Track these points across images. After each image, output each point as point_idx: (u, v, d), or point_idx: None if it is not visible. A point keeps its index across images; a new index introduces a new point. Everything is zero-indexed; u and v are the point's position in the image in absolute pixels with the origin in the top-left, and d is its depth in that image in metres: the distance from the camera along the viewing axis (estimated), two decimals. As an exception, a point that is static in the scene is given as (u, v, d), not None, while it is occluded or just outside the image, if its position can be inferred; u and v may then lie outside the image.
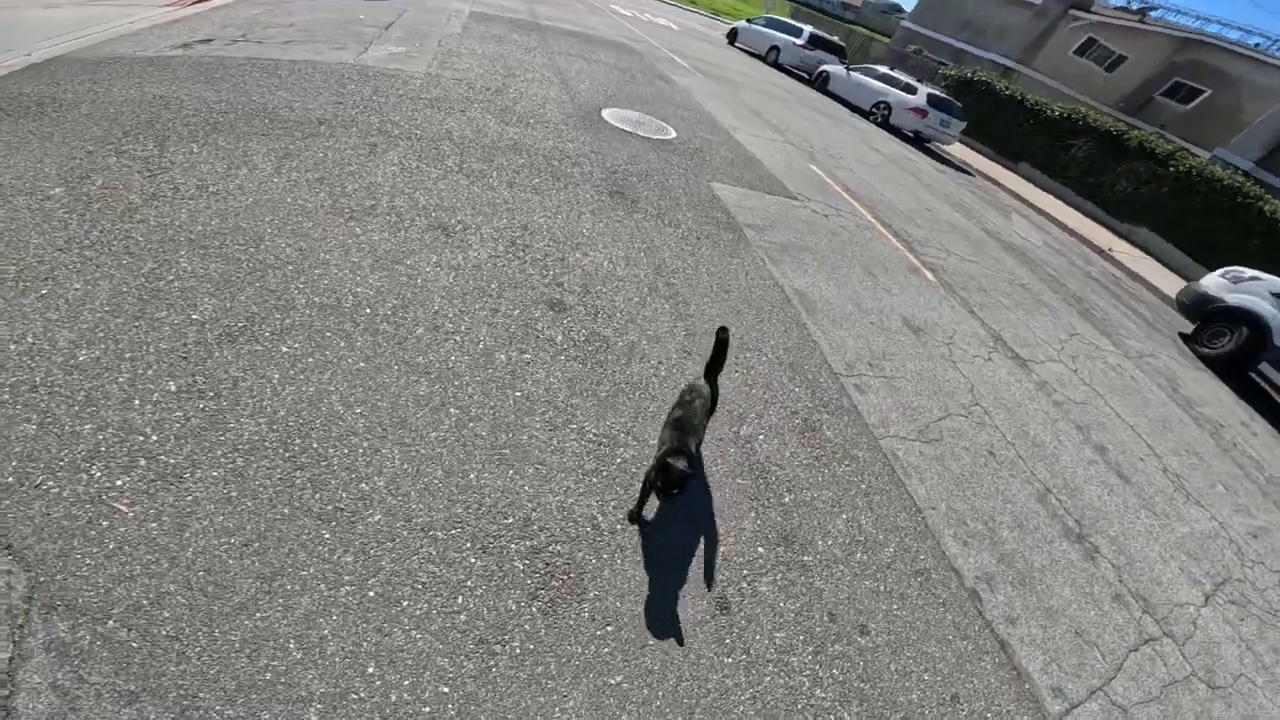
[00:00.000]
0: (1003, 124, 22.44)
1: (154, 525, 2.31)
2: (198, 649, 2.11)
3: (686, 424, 2.75)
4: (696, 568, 2.84)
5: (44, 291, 3.01)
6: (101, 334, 2.86)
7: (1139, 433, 6.06)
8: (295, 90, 6.11)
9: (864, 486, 3.70)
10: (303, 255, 3.67)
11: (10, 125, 4.54)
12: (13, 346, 2.70)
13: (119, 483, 2.38)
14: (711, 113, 11.30)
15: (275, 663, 2.14)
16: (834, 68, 22.27)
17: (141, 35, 7.72)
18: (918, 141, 19.96)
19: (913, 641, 2.90)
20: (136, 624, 2.11)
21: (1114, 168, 18.94)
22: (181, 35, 7.88)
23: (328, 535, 2.47)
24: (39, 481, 2.30)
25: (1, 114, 4.74)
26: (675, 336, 4.22)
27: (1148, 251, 17.71)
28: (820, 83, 22.37)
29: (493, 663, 2.33)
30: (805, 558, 3.08)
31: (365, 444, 2.78)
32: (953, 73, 24.74)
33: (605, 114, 8.48)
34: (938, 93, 19.49)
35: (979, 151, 23.02)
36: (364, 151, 5.18)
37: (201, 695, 2.04)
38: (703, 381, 2.96)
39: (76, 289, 3.07)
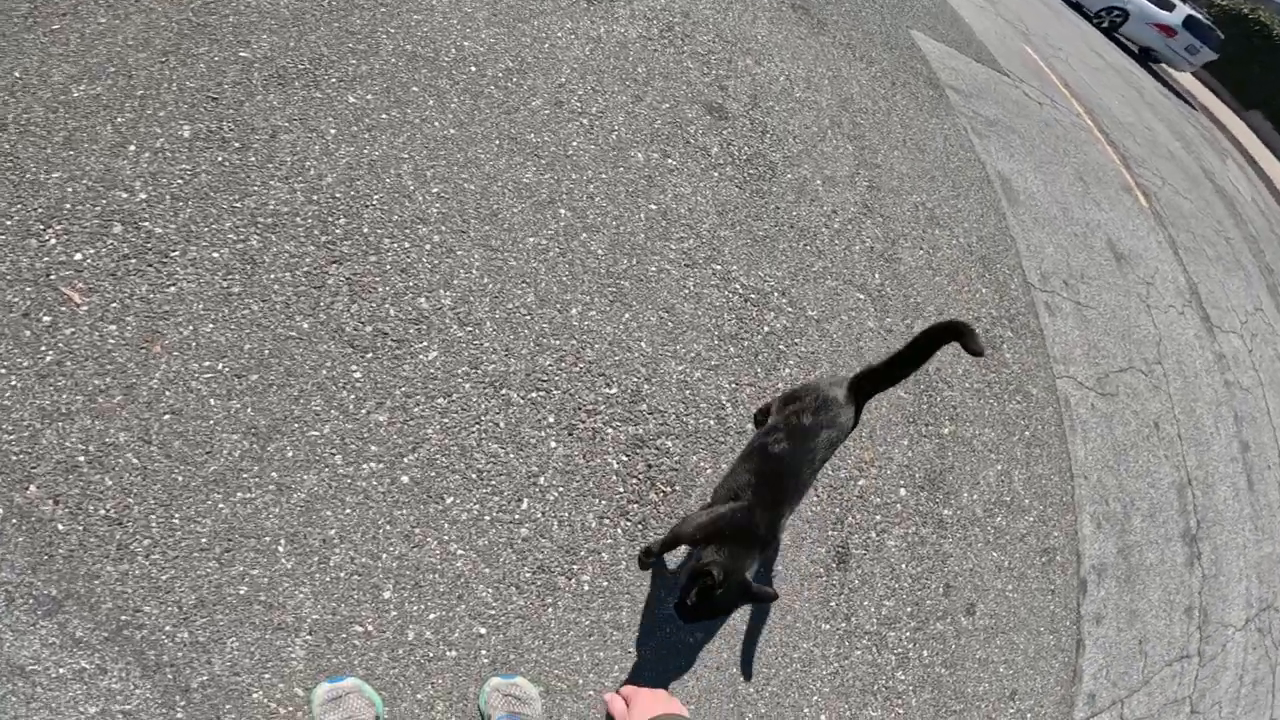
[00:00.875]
0: (1256, 69, 17.19)
1: (113, 329, 1.27)
2: (148, 541, 1.19)
3: (783, 480, 1.26)
4: (828, 504, 1.90)
5: (56, 27, 1.81)
6: (112, 69, 1.69)
7: None
8: None
9: (1028, 434, 2.62)
10: None
11: None
12: None
13: (77, 257, 1.33)
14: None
15: (255, 571, 1.22)
16: None
17: None
18: (1141, 59, 15.43)
19: (1008, 629, 2.18)
20: (67, 495, 1.16)
21: None
22: None
23: (358, 374, 1.37)
24: None
25: None
26: (856, 185, 2.75)
27: None
28: None
29: (551, 600, 1.43)
30: (945, 510, 2.16)
31: (436, 238, 1.61)
32: (1224, 2, 18.81)
33: None
34: (1200, 16, 14.70)
35: (1208, 86, 17.84)
36: None
37: (147, 609, 1.15)
38: (843, 393, 1.34)
39: (100, 23, 1.86)
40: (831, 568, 1.83)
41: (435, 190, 1.67)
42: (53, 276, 1.31)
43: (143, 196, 1.44)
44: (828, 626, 1.77)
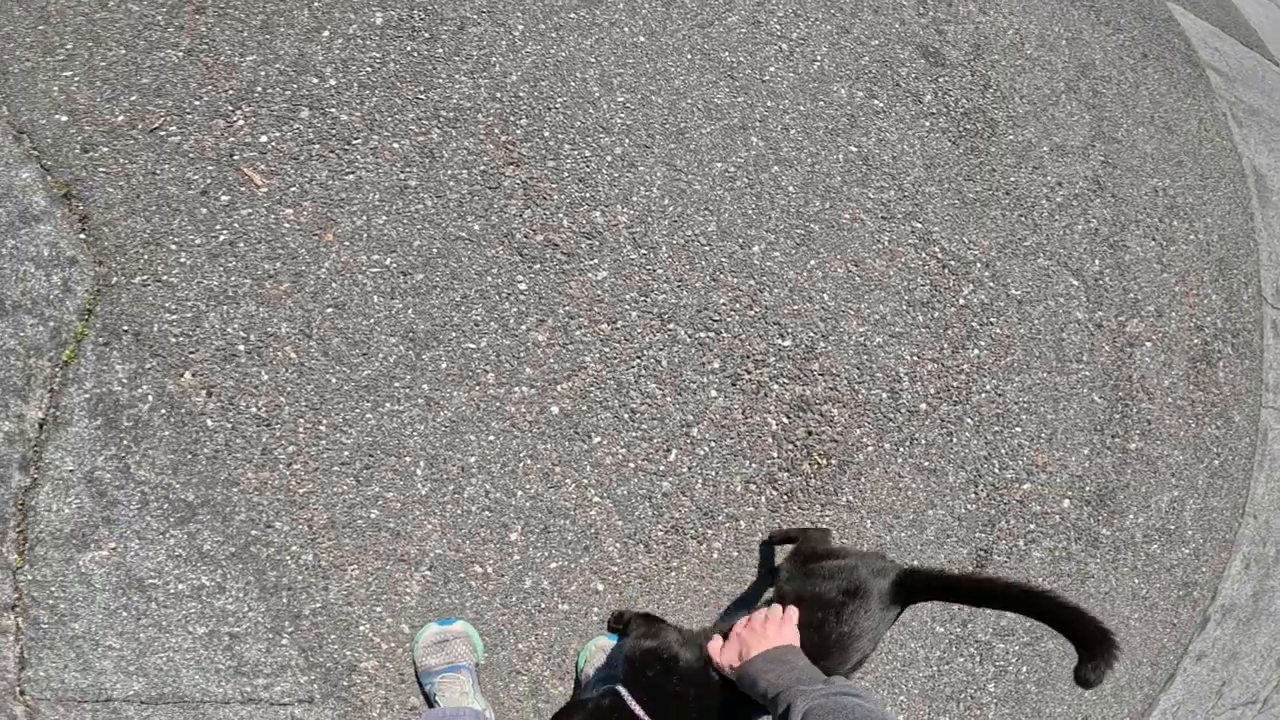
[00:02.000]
0: None
1: (289, 213, 1.20)
2: (292, 448, 1.09)
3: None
4: (984, 504, 1.67)
5: None
6: None
7: None
8: None
9: (1216, 463, 2.25)
10: None
11: None
12: None
13: (262, 139, 1.27)
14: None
15: (390, 495, 1.12)
16: None
17: None
18: None
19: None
20: (221, 387, 1.07)
21: None
22: None
23: (523, 286, 1.23)
24: (157, 124, 1.24)
25: None
26: (1089, 159, 2.31)
27: None
28: None
29: (677, 564, 1.30)
30: (1104, 530, 1.93)
31: (618, 150, 1.42)
32: None
33: None
34: None
35: None
36: None
37: (277, 526, 1.07)
38: (886, 586, 0.87)
39: None
40: (968, 569, 1.65)
41: (621, 100, 1.46)
42: (236, 157, 1.27)
43: (332, 83, 1.38)
44: (941, 630, 1.61)
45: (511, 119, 1.37)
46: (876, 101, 1.86)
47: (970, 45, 2.38)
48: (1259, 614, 2.54)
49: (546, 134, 1.38)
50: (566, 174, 1.35)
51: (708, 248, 1.40)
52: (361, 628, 1.15)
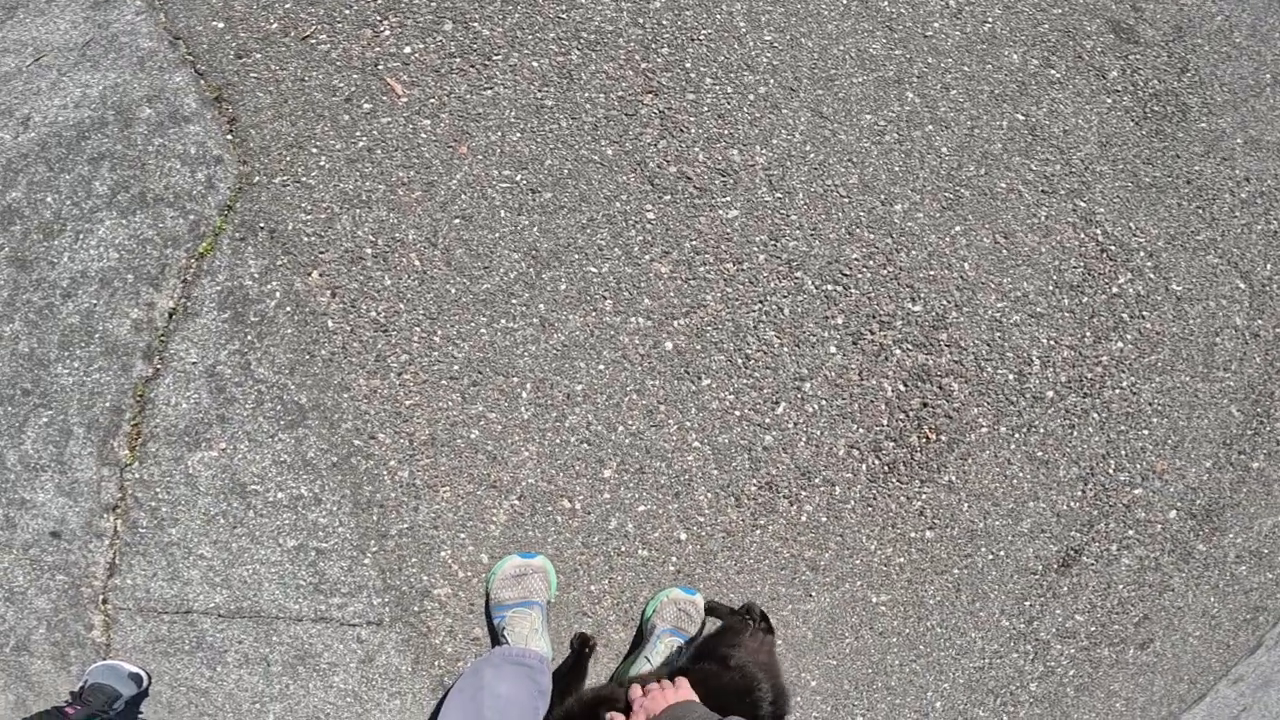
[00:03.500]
0: None
1: (426, 124, 1.29)
2: (405, 356, 1.17)
3: None
4: (1090, 503, 1.65)
5: None
6: None
7: None
8: None
9: None
10: None
11: None
12: None
13: (406, 50, 1.37)
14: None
15: (493, 415, 1.19)
16: None
17: None
18: None
19: (1158, 671, 1.89)
20: (346, 288, 1.17)
21: None
22: None
23: (651, 215, 1.27)
24: (309, 33, 1.36)
25: None
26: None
27: None
28: None
29: (764, 522, 1.33)
30: (1200, 546, 1.87)
31: (762, 89, 1.43)
32: None
33: None
34: None
35: None
36: None
37: (380, 438, 1.15)
38: None
39: None
40: (1051, 568, 1.63)
41: (769, 38, 1.48)
42: (380, 67, 1.37)
43: None
44: (1007, 623, 1.61)
45: (653, 46, 1.41)
46: (1053, 71, 1.78)
47: (1170, 26, 2.24)
48: None
49: (688, 65, 1.40)
50: (706, 108, 1.37)
51: (847, 199, 1.38)
52: (443, 553, 1.21)
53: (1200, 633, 1.97)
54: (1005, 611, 1.58)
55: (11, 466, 1.16)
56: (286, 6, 1.41)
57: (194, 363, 1.19)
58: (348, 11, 1.41)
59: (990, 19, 1.79)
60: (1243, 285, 1.87)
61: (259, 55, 1.36)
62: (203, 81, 1.33)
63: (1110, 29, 2.05)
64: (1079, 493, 1.59)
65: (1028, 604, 1.63)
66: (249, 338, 1.20)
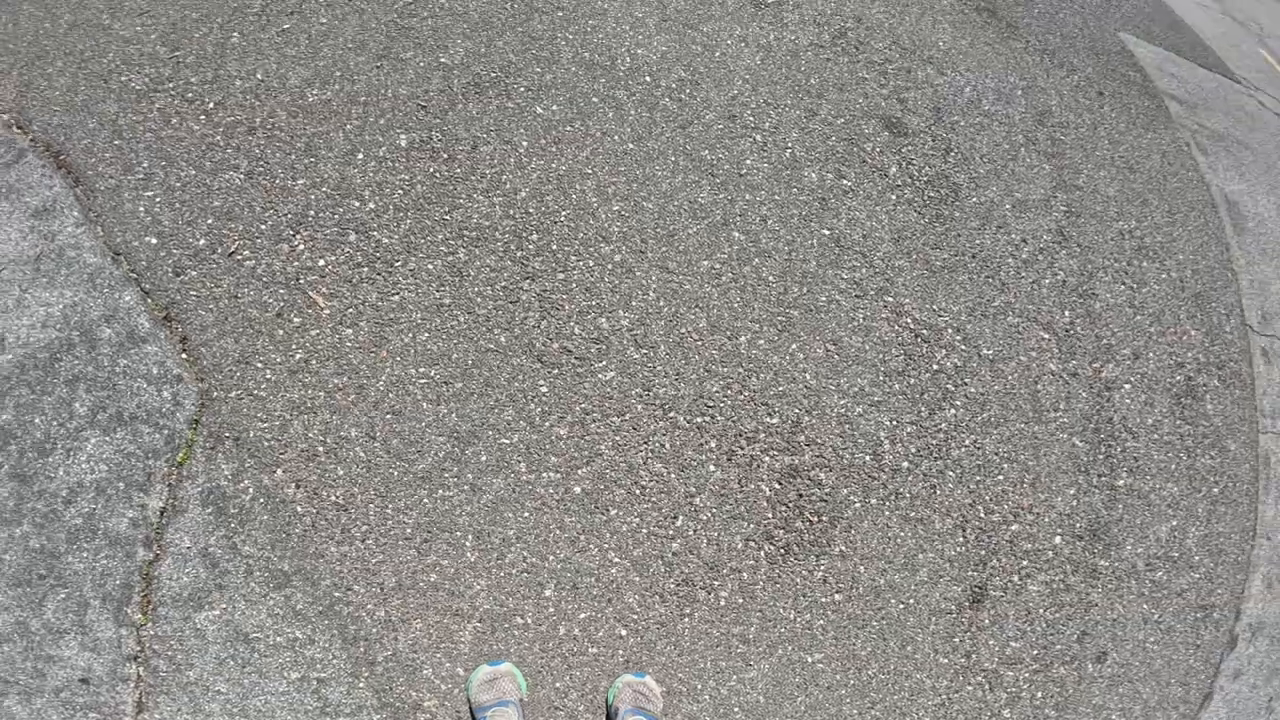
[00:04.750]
0: None
1: (349, 333, 1.66)
2: (365, 527, 1.54)
3: None
4: (973, 545, 2.06)
5: (286, 26, 2.31)
6: (338, 73, 2.12)
7: None
8: None
9: (1215, 491, 2.61)
10: (575, 1, 2.65)
11: None
12: (239, 83, 2.05)
13: (321, 263, 1.73)
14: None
15: (445, 562, 1.56)
16: None
17: None
18: None
19: (1137, 679, 2.24)
20: (306, 480, 1.53)
21: None
22: None
23: (544, 389, 1.69)
24: (234, 248, 1.69)
25: None
26: (1052, 210, 2.77)
27: None
28: None
29: (689, 611, 1.70)
30: (1101, 561, 2.27)
31: (617, 257, 1.90)
32: None
33: None
34: None
35: None
36: None
37: (356, 589, 1.50)
38: None
39: (322, 23, 2.34)
40: (964, 606, 1.98)
41: (616, 208, 1.94)
42: (301, 281, 1.71)
43: (371, 206, 1.82)
44: (945, 660, 1.90)
45: (524, 234, 1.84)
46: (845, 181, 2.34)
47: (930, 110, 2.87)
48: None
49: (554, 246, 1.84)
50: (574, 284, 1.81)
51: (700, 342, 1.87)
52: (425, 671, 1.59)
53: (1155, 637, 2.32)
54: (939, 650, 1.88)
55: (36, 631, 1.43)
56: (209, 222, 1.73)
57: (188, 547, 1.50)
58: (263, 227, 1.74)
59: (789, 144, 2.33)
60: (1047, 335, 2.44)
61: (194, 272, 1.67)
62: (149, 300, 1.63)
63: (885, 126, 2.65)
64: (960, 539, 2.01)
65: (957, 640, 1.93)
66: (232, 525, 1.52)
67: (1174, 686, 2.34)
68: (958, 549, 1.99)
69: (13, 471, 1.47)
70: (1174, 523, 2.43)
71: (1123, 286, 2.74)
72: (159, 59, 2.15)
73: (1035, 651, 2.08)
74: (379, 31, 2.30)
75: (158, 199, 1.75)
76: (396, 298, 1.71)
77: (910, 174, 2.51)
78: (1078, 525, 2.21)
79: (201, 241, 1.70)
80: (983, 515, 2.05)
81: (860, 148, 2.47)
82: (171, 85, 2.05)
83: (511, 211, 1.87)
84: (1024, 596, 2.08)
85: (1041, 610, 2.12)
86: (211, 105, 1.99)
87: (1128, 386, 2.49)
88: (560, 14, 2.53)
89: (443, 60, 2.23)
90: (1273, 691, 2.66)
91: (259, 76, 2.08)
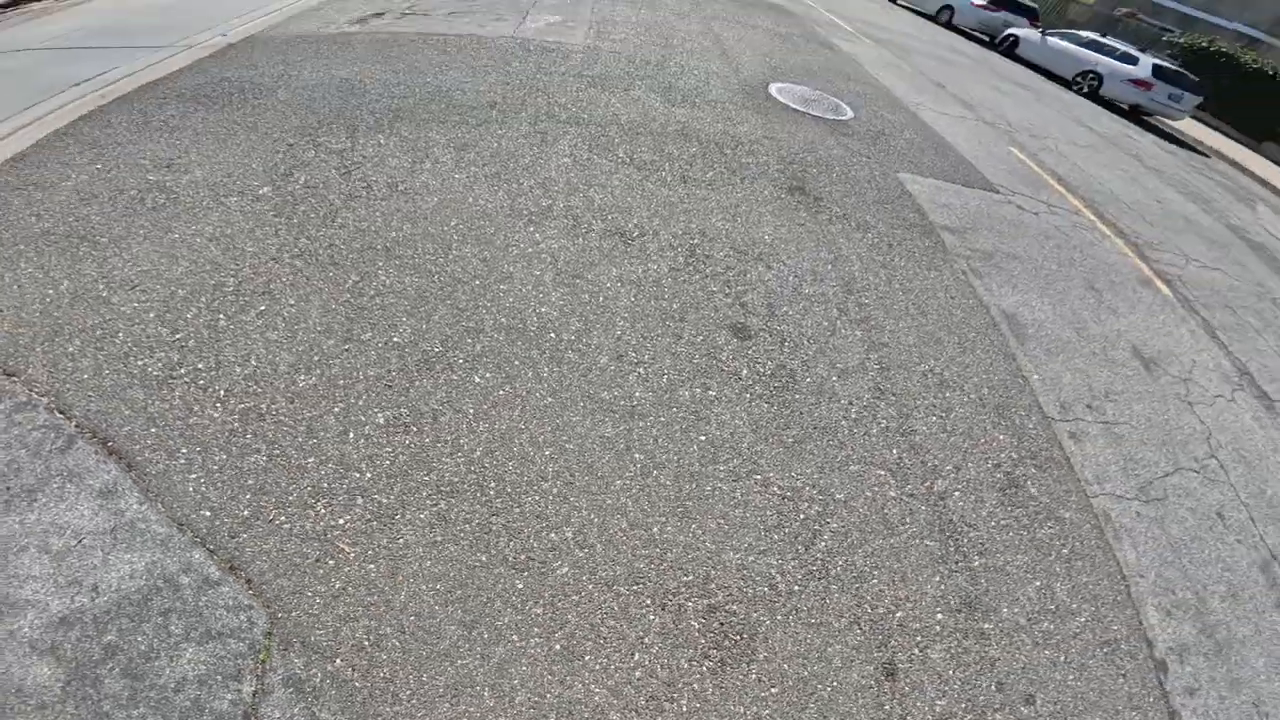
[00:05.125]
0: (1244, 100, 20.31)
1: (372, 567, 2.51)
2: (408, 692, 2.29)
3: None
4: (869, 634, 2.84)
5: (262, 308, 3.31)
6: (316, 357, 3.13)
7: None
8: (464, 69, 6.75)
9: (1065, 551, 3.52)
10: (488, 267, 3.81)
11: (218, 114, 5.14)
12: (238, 369, 2.99)
13: (341, 521, 2.60)
14: (887, 86, 10.64)
15: (472, 709, 2.30)
16: (1024, 31, 20.57)
17: (322, 10, 8.66)
18: (1134, 116, 17.99)
19: (1078, 713, 2.85)
20: (359, 665, 2.31)
21: None
22: (356, 9, 8.54)
23: (520, 585, 2.58)
24: (272, 516, 2.55)
25: (210, 101, 5.37)
26: (867, 372, 4.02)
27: None
28: (1007, 47, 20.66)
29: (660, 717, 2.41)
30: (985, 625, 3.02)
31: (555, 490, 2.88)
32: (1182, 41, 22.45)
33: (773, 90, 8.21)
34: (1166, 64, 17.70)
35: (1213, 128, 20.34)
36: (535, 141, 5.40)
37: None
38: None
39: (291, 305, 3.35)
40: (881, 680, 2.63)
41: (548, 453, 2.94)
42: (329, 535, 2.56)
43: (369, 475, 2.72)
44: None
45: (485, 484, 2.81)
46: (710, 392, 3.49)
47: (765, 307, 4.16)
48: (1231, 643, 3.47)
49: (509, 490, 2.83)
50: (529, 513, 2.77)
51: (625, 537, 2.83)
52: None
53: (1073, 675, 2.92)
54: (875, 718, 2.52)
55: None
56: (248, 497, 2.57)
57: (278, 717, 2.19)
58: (290, 498, 2.60)
59: (665, 371, 3.47)
60: (883, 471, 3.48)
61: (245, 535, 2.48)
62: (215, 557, 2.42)
63: (733, 333, 3.87)
64: (857, 631, 2.83)
65: (888, 708, 2.55)
66: (309, 700, 2.20)
67: (1127, 712, 2.94)
68: (859, 639, 2.81)
69: (125, 670, 2.17)
70: (1037, 583, 3.29)
71: (934, 418, 3.93)
72: (165, 342, 3.14)
73: (963, 705, 2.69)
74: (339, 312, 3.34)
75: (203, 480, 2.62)
76: (402, 540, 2.59)
77: (757, 371, 3.71)
78: (952, 602, 3.05)
79: (245, 512, 2.54)
80: (870, 611, 2.91)
81: (717, 359, 3.66)
82: (184, 371, 3.01)
83: (473, 468, 2.84)
84: (930, 663, 2.76)
85: (951, 671, 2.77)
86: (223, 393, 2.93)
87: (957, 493, 3.55)
88: (478, 282, 3.67)
89: (395, 339, 3.27)
90: (1250, 697, 3.22)
91: (254, 363, 3.06)
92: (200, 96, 5.48)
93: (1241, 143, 19.80)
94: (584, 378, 3.34)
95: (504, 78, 6.66)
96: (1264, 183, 15.69)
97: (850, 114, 8.26)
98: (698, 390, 3.48)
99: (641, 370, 3.45)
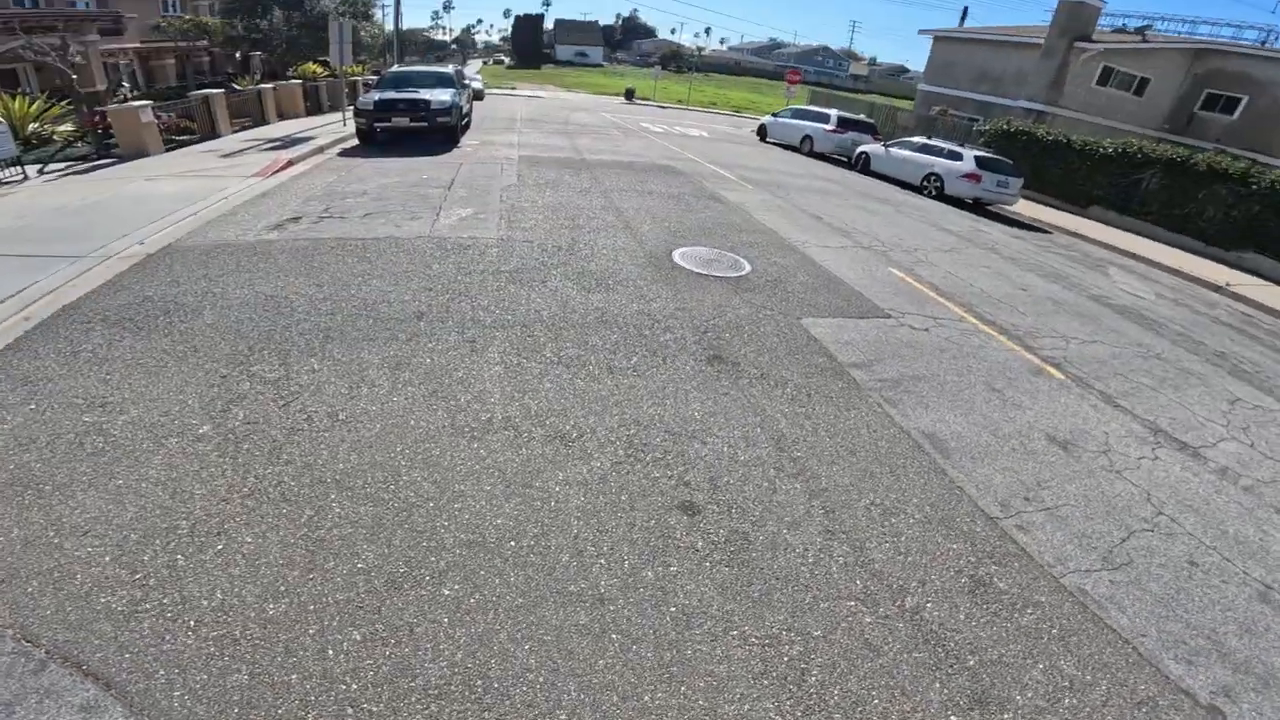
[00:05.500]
0: (1059, 171, 22.56)
1: None
2: None
3: None
4: None
5: (220, 547, 3.39)
6: (283, 587, 3.20)
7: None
8: (387, 277, 7.11)
9: (1055, 631, 3.71)
10: (439, 489, 3.99)
11: (146, 342, 5.32)
12: (205, 602, 3.07)
13: None
14: (774, 228, 11.79)
15: None
16: (871, 147, 23.07)
17: (238, 214, 9.18)
18: (979, 209, 20.00)
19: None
20: None
21: (1195, 195, 18.64)
22: (273, 213, 9.25)
23: None
24: None
25: (136, 327, 5.57)
26: (814, 518, 4.27)
27: (1265, 277, 16.80)
28: (862, 165, 23.12)
29: None
30: (1004, 715, 3.13)
31: (542, 679, 2.95)
32: (987, 128, 25.16)
33: (676, 256, 8.98)
34: (984, 153, 19.81)
35: (1044, 204, 22.54)
36: (465, 351, 5.71)
37: None
38: None
39: (249, 543, 3.43)
40: None
41: (527, 647, 3.00)
42: None
43: (355, 686, 2.72)
44: None
45: (472, 682, 2.84)
46: (672, 568, 3.67)
47: (707, 482, 4.44)
48: (1275, 672, 3.69)
49: (496, 686, 2.83)
50: (519, 702, 2.77)
51: (619, 711, 2.78)
52: None
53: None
54: None
55: None
56: (235, 711, 2.57)
57: None
58: (280, 712, 2.59)
59: (625, 556, 3.64)
60: (853, 602, 3.60)
61: None
62: None
63: (683, 511, 4.11)
64: None
65: None
66: None
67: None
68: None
69: None
70: (1041, 665, 3.44)
71: (887, 544, 4.16)
72: (125, 581, 3.15)
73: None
74: (298, 545, 3.43)
75: (187, 697, 2.61)
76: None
77: (712, 541, 3.93)
78: (961, 702, 3.15)
79: (238, 731, 2.52)
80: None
81: (672, 538, 3.88)
82: (149, 607, 3.02)
83: (457, 669, 2.88)
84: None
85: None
86: (193, 623, 2.95)
87: (929, 604, 3.71)
88: (432, 504, 3.84)
89: (359, 565, 3.37)
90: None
91: (220, 596, 3.11)
92: (125, 320, 5.66)
93: (1071, 211, 22.01)
94: (549, 576, 3.48)
95: (426, 283, 6.99)
96: (1105, 245, 17.64)
97: (748, 267, 9.07)
98: (659, 569, 3.65)
99: (603, 561, 3.63)
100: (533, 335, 6.14)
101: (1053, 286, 11.63)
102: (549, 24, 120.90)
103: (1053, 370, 7.57)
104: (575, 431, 4.77)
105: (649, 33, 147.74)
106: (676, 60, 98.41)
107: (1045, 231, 18.57)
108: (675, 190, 13.94)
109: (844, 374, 6.47)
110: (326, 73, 26.01)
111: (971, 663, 3.39)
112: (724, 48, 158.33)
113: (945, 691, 3.22)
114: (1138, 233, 19.94)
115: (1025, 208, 21.04)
